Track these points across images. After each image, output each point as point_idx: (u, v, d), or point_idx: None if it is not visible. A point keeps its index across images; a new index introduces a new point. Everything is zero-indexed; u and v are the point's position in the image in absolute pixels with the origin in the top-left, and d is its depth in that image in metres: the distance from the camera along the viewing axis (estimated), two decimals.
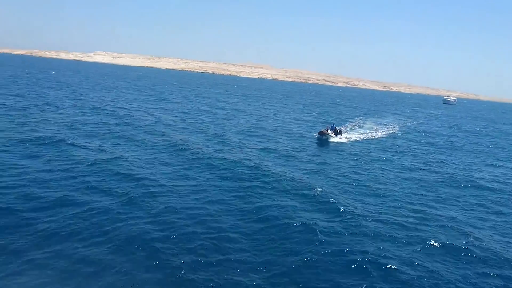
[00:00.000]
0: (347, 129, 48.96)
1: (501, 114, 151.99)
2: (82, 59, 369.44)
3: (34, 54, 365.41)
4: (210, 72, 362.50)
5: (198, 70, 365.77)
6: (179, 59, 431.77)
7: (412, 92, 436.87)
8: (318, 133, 38.54)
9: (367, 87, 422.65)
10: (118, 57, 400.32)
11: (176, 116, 46.75)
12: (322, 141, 37.79)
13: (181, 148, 28.30)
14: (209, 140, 33.34)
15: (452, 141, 48.47)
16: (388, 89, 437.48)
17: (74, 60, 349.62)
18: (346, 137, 40.50)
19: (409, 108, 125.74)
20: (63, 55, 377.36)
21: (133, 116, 42.44)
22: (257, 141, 34.61)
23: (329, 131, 38.35)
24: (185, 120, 44.28)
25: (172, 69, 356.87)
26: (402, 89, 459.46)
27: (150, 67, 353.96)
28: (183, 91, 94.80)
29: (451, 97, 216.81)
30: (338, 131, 39.68)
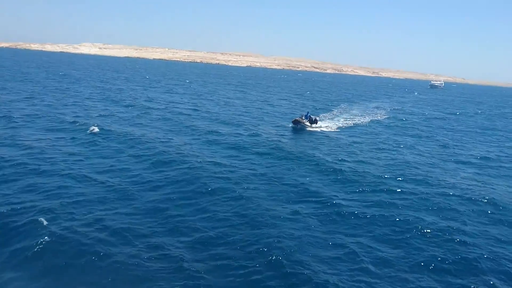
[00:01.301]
0: (332, 115, 49.89)
1: (479, 97, 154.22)
2: (68, 50, 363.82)
3: (18, 47, 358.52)
4: (198, 61, 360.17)
5: (186, 60, 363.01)
6: (167, 49, 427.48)
7: (401, 78, 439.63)
8: (293, 122, 37.78)
9: (356, 73, 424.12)
10: (104, 48, 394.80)
11: (188, 106, 48.80)
12: (298, 130, 37.00)
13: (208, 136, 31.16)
14: (229, 127, 36.23)
15: (420, 128, 49.78)
16: (377, 75, 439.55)
17: (60, 52, 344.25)
18: (322, 126, 39.87)
19: (395, 92, 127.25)
20: (49, 47, 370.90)
21: (153, 107, 44.99)
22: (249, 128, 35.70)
23: (304, 120, 37.83)
24: (198, 110, 46.32)
25: (160, 59, 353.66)
26: (391, 75, 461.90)
27: (138, 57, 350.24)
28: (182, 83, 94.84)
29: (438, 82, 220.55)
30: (314, 119, 39.05)
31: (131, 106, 44.43)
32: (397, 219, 16.74)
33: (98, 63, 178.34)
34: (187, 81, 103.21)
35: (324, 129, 38.50)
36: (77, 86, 63.13)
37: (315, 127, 38.05)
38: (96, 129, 28.94)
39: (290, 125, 38.35)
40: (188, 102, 53.46)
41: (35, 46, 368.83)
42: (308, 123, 37.71)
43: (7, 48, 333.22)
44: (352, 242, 14.36)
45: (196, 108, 47.78)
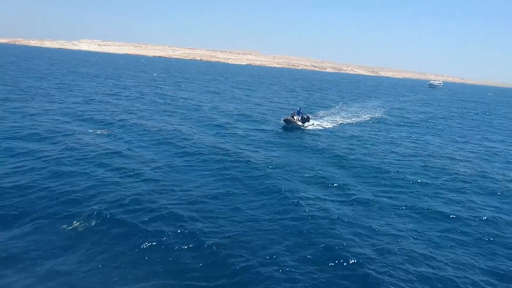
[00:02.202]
0: (331, 113, 50.00)
1: (476, 96, 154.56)
2: (67, 47, 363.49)
3: (17, 43, 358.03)
4: (198, 59, 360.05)
5: (185, 57, 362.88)
6: (167, 46, 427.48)
7: (400, 77, 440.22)
8: (284, 121, 35.25)
9: (356, 73, 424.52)
10: (104, 45, 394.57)
11: (202, 103, 50.28)
12: (289, 129, 34.92)
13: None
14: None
15: (415, 122, 50.03)
16: (376, 74, 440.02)
17: (59, 48, 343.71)
18: (315, 124, 38.40)
19: (394, 91, 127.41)
20: (48, 44, 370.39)
21: (170, 103, 46.96)
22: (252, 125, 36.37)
23: (295, 118, 35.46)
24: (213, 106, 47.84)
25: (160, 56, 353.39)
26: (390, 74, 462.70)
27: (137, 54, 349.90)
28: (189, 81, 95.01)
29: (437, 82, 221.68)
30: (306, 117, 36.89)
31: (150, 103, 45.70)
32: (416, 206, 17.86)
33: (103, 60, 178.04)
34: (189, 78, 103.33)
35: (326, 126, 37.89)
36: (93, 83, 63.71)
37: (307, 126, 36.19)
38: (127, 125, 30.47)
39: (282, 124, 36.20)
40: (204, 99, 54.83)
41: (34, 42, 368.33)
42: (300, 123, 35.58)
43: (6, 44, 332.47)
44: (391, 230, 15.30)
45: (210, 104, 49.47)
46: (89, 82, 64.70)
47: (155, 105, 43.95)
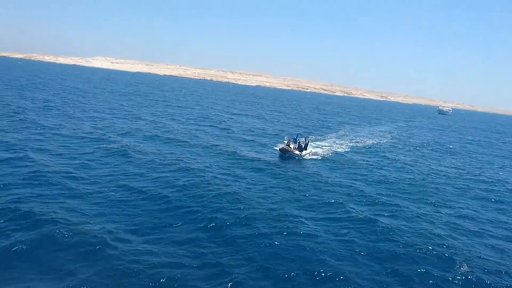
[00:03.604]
0: (337, 136, 49.37)
1: (486, 124, 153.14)
2: (81, 64, 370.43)
3: (33, 58, 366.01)
4: (208, 79, 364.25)
5: (196, 77, 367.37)
6: (178, 66, 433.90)
7: (409, 103, 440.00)
8: (280, 150, 31.83)
9: (365, 97, 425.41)
10: (116, 63, 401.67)
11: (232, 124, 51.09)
12: (286, 158, 31.26)
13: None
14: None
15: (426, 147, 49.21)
16: (386, 99, 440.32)
17: (73, 65, 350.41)
18: (313, 151, 34.91)
19: (403, 117, 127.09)
20: (62, 60, 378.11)
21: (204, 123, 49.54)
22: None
23: (292, 146, 31.91)
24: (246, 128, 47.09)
25: (171, 75, 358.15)
26: (399, 99, 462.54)
27: (149, 73, 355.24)
28: (209, 102, 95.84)
29: (446, 108, 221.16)
30: (304, 145, 32.92)
31: (184, 124, 47.23)
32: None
33: (125, 78, 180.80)
34: (209, 99, 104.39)
35: (305, 156, 32.39)
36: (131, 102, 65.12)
37: (305, 154, 32.31)
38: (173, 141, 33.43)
39: (278, 152, 32.44)
40: (235, 119, 58.04)
41: (48, 58, 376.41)
42: (297, 151, 31.73)
43: (22, 59, 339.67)
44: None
45: (242, 124, 52.44)
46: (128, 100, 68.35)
47: (207, 126, 46.66)
